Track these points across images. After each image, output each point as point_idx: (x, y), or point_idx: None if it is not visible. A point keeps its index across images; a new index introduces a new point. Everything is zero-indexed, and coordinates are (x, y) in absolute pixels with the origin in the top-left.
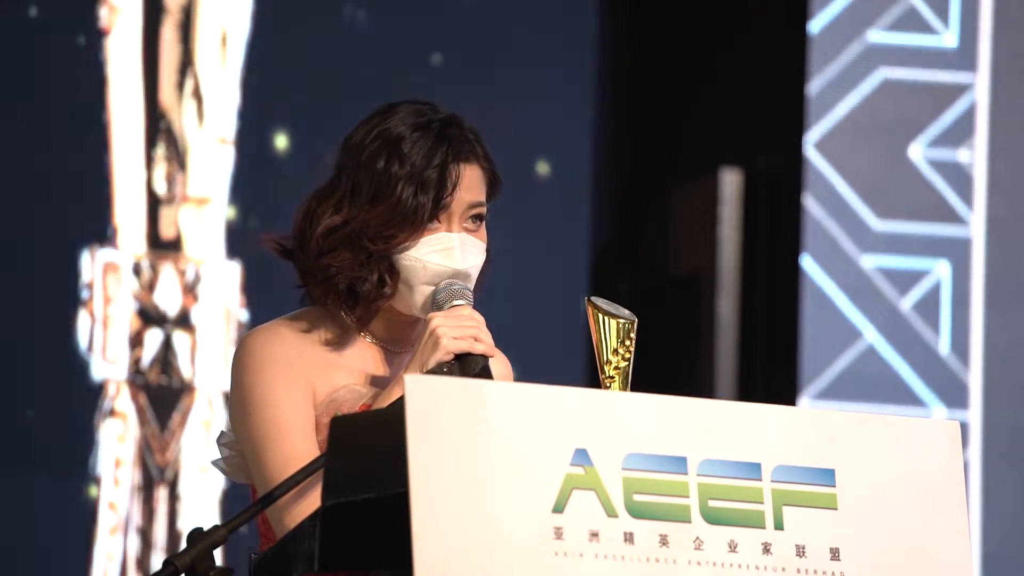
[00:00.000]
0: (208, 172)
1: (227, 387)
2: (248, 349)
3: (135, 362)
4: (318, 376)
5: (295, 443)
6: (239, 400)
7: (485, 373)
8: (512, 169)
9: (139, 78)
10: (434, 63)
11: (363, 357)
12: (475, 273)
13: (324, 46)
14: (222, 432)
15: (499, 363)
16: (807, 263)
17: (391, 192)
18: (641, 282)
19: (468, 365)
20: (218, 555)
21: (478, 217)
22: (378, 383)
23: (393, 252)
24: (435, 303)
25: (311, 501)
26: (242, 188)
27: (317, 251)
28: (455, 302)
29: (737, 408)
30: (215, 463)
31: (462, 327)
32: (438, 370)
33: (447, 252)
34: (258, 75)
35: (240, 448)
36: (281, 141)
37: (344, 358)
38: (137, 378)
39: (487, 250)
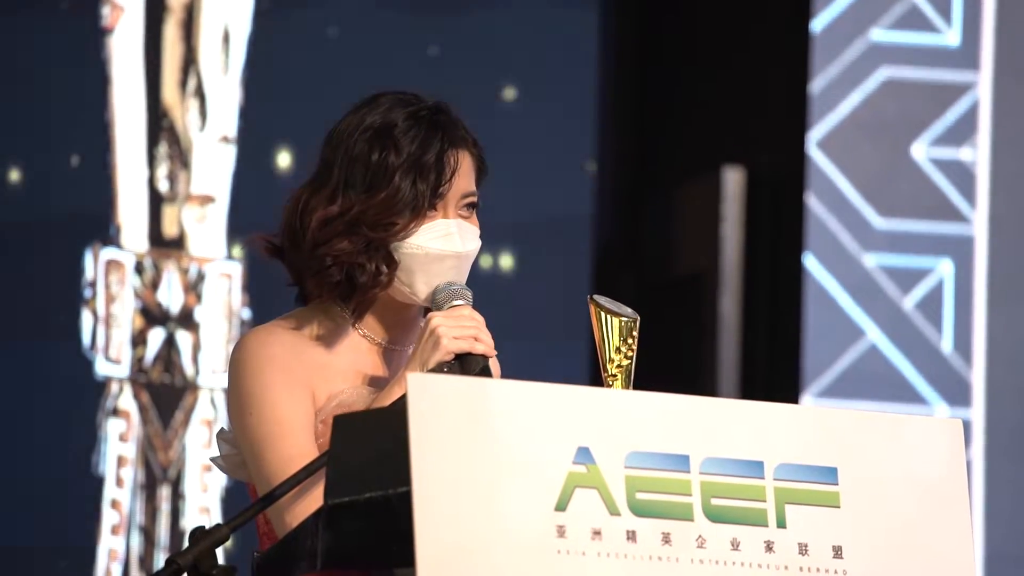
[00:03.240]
0: (210, 170)
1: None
2: (246, 350)
3: (138, 361)
4: (317, 377)
5: (295, 442)
6: (238, 401)
7: (485, 373)
8: (516, 168)
9: (141, 76)
10: (432, 57)
11: (360, 357)
12: (473, 256)
13: (324, 45)
14: (222, 428)
15: (495, 363)
16: (810, 261)
17: (388, 181)
18: (644, 280)
19: (468, 365)
20: (220, 553)
21: (471, 205)
22: (377, 383)
23: (392, 240)
24: (435, 303)
25: (312, 500)
26: (244, 186)
27: (313, 243)
28: (455, 302)
29: (739, 406)
30: (214, 460)
31: (462, 327)
32: (438, 370)
33: (447, 237)
34: (260, 73)
35: (240, 448)
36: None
37: (341, 359)
38: (140, 377)
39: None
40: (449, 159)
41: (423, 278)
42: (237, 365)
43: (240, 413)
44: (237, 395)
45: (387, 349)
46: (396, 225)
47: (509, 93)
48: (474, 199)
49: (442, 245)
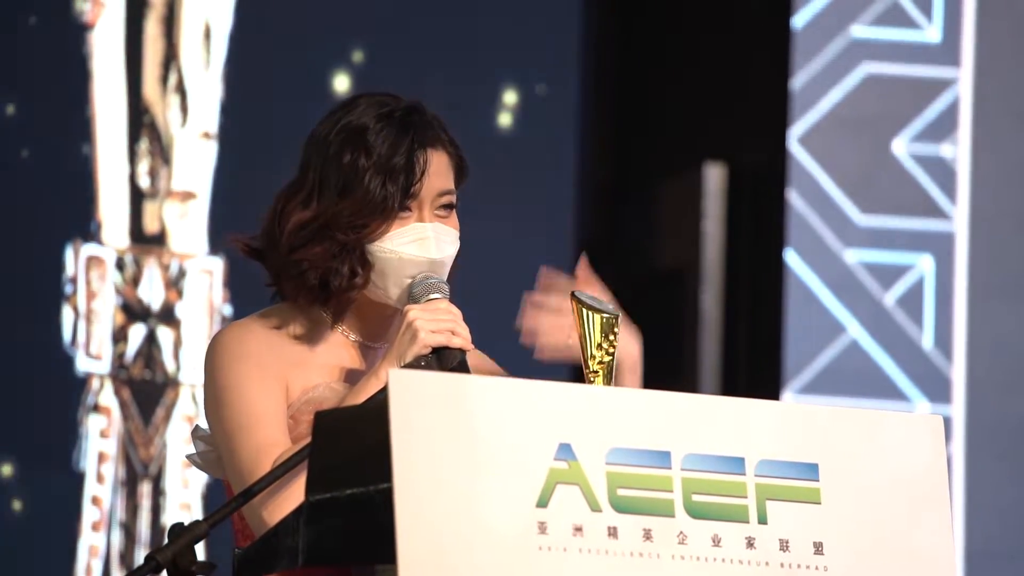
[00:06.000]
0: (192, 167)
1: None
2: (221, 344)
3: (119, 357)
4: (292, 372)
5: (267, 433)
6: (212, 394)
7: (462, 367)
8: (496, 164)
9: (122, 72)
10: (415, 54)
11: (338, 353)
12: (449, 262)
13: (306, 43)
14: (196, 426)
15: (478, 356)
16: (791, 258)
17: (359, 184)
18: (625, 277)
19: (445, 359)
20: (200, 550)
21: (449, 205)
22: (354, 379)
23: (365, 243)
24: (411, 296)
25: (288, 497)
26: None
27: (288, 247)
28: (432, 295)
29: (721, 403)
30: (190, 457)
31: (439, 320)
32: (415, 363)
33: (421, 243)
34: (241, 69)
35: (215, 443)
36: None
37: (318, 354)
38: (121, 373)
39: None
40: (419, 158)
41: (396, 282)
42: (212, 360)
43: (215, 406)
44: (212, 389)
45: (366, 346)
46: (367, 227)
47: (491, 89)
48: (451, 199)
49: (415, 251)
